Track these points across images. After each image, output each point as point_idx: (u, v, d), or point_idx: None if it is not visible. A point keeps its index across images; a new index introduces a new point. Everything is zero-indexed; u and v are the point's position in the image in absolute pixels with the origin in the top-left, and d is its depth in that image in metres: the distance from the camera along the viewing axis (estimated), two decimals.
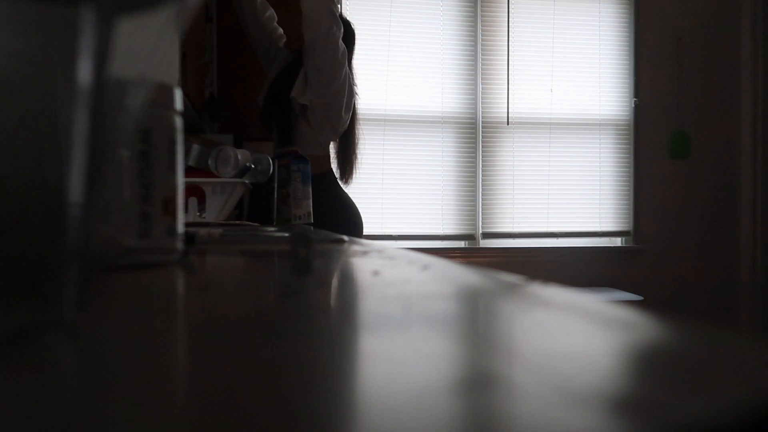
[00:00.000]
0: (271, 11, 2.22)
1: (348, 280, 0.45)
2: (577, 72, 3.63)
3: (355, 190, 2.41)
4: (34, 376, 0.17)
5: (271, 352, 0.19)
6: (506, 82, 3.55)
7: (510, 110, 3.55)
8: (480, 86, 3.54)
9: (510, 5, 3.55)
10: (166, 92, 0.48)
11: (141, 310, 0.30)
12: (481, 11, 3.54)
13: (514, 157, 3.57)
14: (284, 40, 2.18)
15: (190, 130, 2.16)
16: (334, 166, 2.23)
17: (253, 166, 1.47)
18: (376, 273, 0.42)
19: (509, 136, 3.57)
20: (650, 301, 3.50)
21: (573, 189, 3.62)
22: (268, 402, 0.14)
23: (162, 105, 0.48)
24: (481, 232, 3.53)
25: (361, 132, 2.30)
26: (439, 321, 0.25)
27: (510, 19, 3.56)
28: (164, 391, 0.16)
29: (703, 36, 3.75)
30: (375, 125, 3.38)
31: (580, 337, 0.22)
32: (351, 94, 2.09)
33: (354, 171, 2.26)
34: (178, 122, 0.50)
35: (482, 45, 3.54)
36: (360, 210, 2.20)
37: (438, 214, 3.48)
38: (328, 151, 2.19)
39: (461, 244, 3.54)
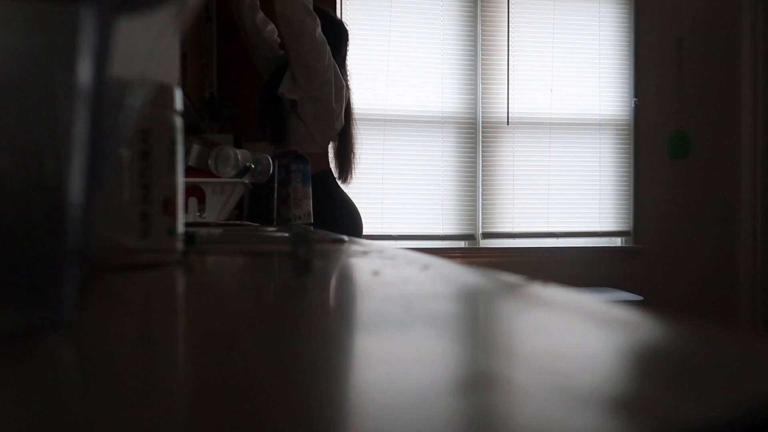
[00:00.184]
0: (271, 26, 2.29)
1: (348, 280, 0.45)
2: (577, 72, 3.63)
3: (354, 190, 2.41)
4: (34, 376, 0.17)
5: (271, 352, 0.19)
6: (506, 82, 3.55)
7: (510, 110, 3.55)
8: (480, 86, 3.54)
9: (510, 5, 3.55)
10: (166, 92, 0.48)
11: (141, 310, 0.30)
12: (481, 11, 3.54)
13: (514, 157, 3.57)
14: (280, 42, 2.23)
15: (190, 130, 2.17)
16: (332, 166, 2.24)
17: (253, 166, 1.47)
18: (376, 273, 0.42)
19: (509, 136, 3.57)
20: (650, 301, 3.50)
21: (573, 189, 3.62)
22: (268, 402, 0.14)
23: (162, 105, 0.48)
24: (481, 232, 3.53)
25: (358, 131, 2.31)
26: (439, 321, 0.25)
27: (510, 19, 3.55)
28: (164, 391, 0.16)
29: (703, 36, 3.75)
30: (375, 125, 3.38)
31: (580, 337, 0.22)
32: (340, 85, 2.11)
33: (352, 170, 2.26)
34: (178, 122, 0.50)
35: (482, 45, 3.54)
36: (360, 210, 2.21)
37: (438, 214, 3.48)
38: (327, 150, 2.20)
39: (461, 244, 3.54)
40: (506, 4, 3.55)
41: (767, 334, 1.20)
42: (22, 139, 0.20)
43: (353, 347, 0.21)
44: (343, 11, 3.31)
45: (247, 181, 1.51)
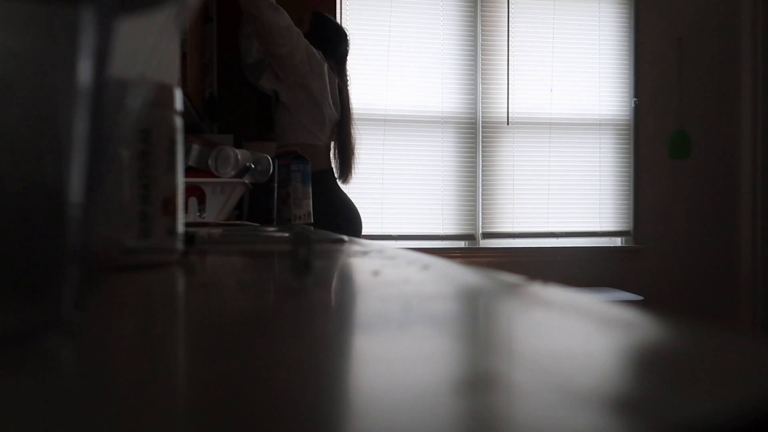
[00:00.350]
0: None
1: (348, 280, 0.45)
2: (577, 72, 3.63)
3: (354, 190, 2.41)
4: (34, 376, 0.17)
5: (270, 352, 0.19)
6: (506, 82, 3.55)
7: (510, 110, 3.55)
8: (480, 86, 3.54)
9: (510, 5, 3.55)
10: (166, 92, 0.48)
11: (141, 310, 0.30)
12: (481, 11, 3.54)
13: (514, 157, 3.57)
14: None
15: (190, 130, 2.17)
16: (333, 165, 2.24)
17: (253, 166, 1.47)
18: (376, 273, 0.42)
19: (509, 136, 3.57)
20: (650, 301, 3.50)
21: (573, 189, 3.62)
22: (267, 402, 0.14)
23: (162, 105, 0.48)
24: (481, 232, 3.53)
25: (357, 130, 2.31)
26: (439, 321, 0.25)
27: (510, 19, 3.55)
28: (164, 391, 0.16)
29: (703, 36, 3.75)
30: (375, 125, 3.38)
31: (580, 337, 0.22)
32: (318, 69, 2.15)
33: (352, 169, 2.27)
34: (178, 122, 0.50)
35: (482, 45, 3.54)
36: (360, 210, 2.21)
37: (438, 214, 3.48)
38: (326, 142, 2.21)
39: (461, 244, 3.54)
40: (506, 4, 3.55)
41: (767, 334, 1.20)
42: (22, 139, 0.20)
43: (353, 347, 0.21)
44: (343, 12, 3.31)
45: (247, 181, 1.51)
